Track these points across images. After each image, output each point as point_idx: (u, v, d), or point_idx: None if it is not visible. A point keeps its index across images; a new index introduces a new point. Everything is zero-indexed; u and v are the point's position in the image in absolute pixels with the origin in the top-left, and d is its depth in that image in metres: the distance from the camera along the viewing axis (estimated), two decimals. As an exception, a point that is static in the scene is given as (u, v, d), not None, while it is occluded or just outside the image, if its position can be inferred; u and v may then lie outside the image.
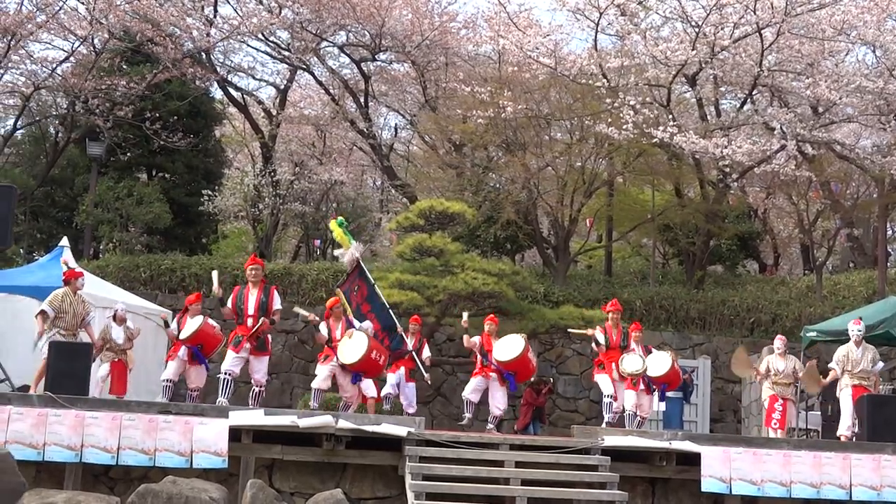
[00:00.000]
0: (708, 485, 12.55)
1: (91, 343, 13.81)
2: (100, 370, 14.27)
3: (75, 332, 13.66)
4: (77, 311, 13.70)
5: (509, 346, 14.40)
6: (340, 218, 16.57)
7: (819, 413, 16.94)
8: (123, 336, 14.88)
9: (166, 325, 14.97)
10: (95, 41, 26.32)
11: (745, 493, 12.66)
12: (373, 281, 15.80)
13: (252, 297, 13.75)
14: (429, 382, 15.87)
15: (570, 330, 17.06)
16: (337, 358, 13.89)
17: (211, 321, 14.49)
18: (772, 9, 21.05)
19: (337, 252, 16.17)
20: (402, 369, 15.20)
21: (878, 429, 13.55)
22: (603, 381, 14.82)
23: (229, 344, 13.83)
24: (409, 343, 15.40)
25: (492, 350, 14.48)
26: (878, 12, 22.20)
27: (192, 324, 14.09)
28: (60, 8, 24.94)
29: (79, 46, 26.38)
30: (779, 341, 15.28)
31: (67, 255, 16.98)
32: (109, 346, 14.67)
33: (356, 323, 14.50)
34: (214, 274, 14.49)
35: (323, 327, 14.37)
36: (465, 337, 14.94)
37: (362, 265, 15.70)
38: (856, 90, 22.36)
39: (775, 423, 14.85)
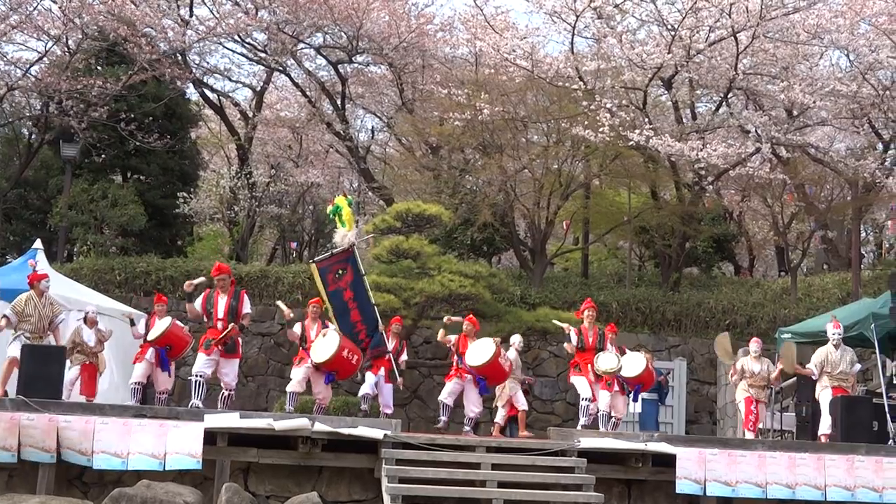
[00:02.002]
0: (682, 486, 12.59)
1: (64, 347, 13.72)
2: (70, 372, 14.15)
3: (42, 334, 13.54)
4: (43, 313, 13.57)
5: (479, 351, 14.44)
6: (350, 197, 16.46)
7: (793, 414, 17.03)
8: (94, 339, 14.79)
9: (132, 323, 14.84)
10: (69, 41, 26.16)
11: (720, 495, 12.71)
12: (363, 273, 15.70)
13: (222, 302, 13.68)
14: (400, 387, 15.85)
15: (554, 322, 16.58)
16: (311, 359, 13.86)
17: (179, 322, 14.43)
18: (747, 13, 21.19)
19: (337, 234, 15.96)
20: (383, 370, 15.15)
21: (852, 430, 13.66)
22: (580, 383, 14.80)
23: (200, 347, 13.75)
24: (390, 345, 15.36)
25: (465, 353, 14.51)
26: (852, 16, 22.40)
27: (160, 325, 14.02)
28: (34, 8, 24.78)
29: (52, 47, 26.20)
30: (754, 344, 15.35)
31: (40, 258, 16.87)
32: (80, 348, 14.57)
33: (331, 325, 14.46)
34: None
35: (297, 327, 14.32)
36: (441, 332, 14.95)
37: (356, 253, 15.61)
38: (829, 94, 22.54)
39: (751, 426, 14.92)
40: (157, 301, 14.79)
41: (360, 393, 15.18)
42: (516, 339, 16.35)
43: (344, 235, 15.56)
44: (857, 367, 14.79)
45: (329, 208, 16.27)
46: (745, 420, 15.13)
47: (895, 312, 14.29)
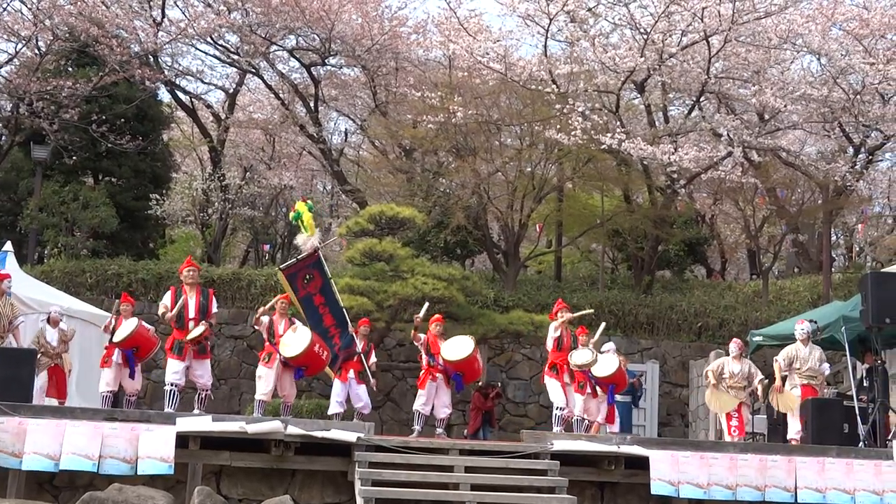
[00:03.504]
0: (657, 488, 12.61)
1: (35, 350, 13.60)
2: (38, 379, 13.93)
3: (2, 334, 13.42)
4: (3, 313, 13.47)
5: (458, 347, 14.38)
6: (310, 202, 16.36)
7: (765, 416, 17.12)
8: (57, 338, 14.63)
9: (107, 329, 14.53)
10: (40, 42, 25.98)
11: (692, 497, 12.74)
12: (329, 276, 15.66)
13: (192, 301, 13.55)
14: (374, 388, 15.79)
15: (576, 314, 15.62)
16: (280, 356, 13.75)
17: (146, 324, 14.28)
18: (719, 17, 21.29)
19: (298, 238, 15.91)
20: (352, 373, 15.08)
21: (822, 432, 13.74)
22: (553, 387, 14.66)
23: (169, 350, 13.60)
24: (359, 346, 15.29)
25: (438, 351, 14.45)
26: (823, 21, 22.58)
27: (126, 326, 13.82)
28: (4, 9, 24.61)
29: (22, 48, 26.02)
30: (734, 345, 15.35)
31: (10, 260, 16.71)
32: (44, 350, 14.38)
33: (298, 322, 14.39)
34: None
35: (265, 319, 14.18)
36: (413, 331, 14.87)
37: (321, 257, 15.54)
38: (800, 98, 22.71)
39: (734, 430, 14.90)
40: (124, 301, 14.57)
41: (331, 412, 15.03)
42: (611, 346, 16.08)
43: (306, 240, 15.48)
44: (826, 366, 14.81)
45: (291, 214, 16.21)
46: (728, 426, 15.12)
47: (865, 315, 14.37)
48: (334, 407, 14.95)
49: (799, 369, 14.54)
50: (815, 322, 15.52)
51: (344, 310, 15.59)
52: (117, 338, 13.75)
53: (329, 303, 15.36)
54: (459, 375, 14.51)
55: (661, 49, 22.15)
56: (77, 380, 15.78)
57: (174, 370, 13.47)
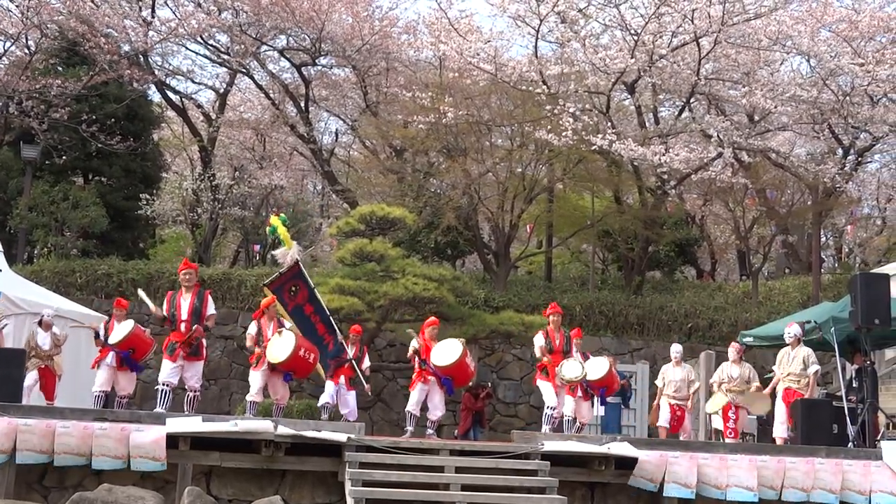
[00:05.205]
0: (634, 482, 12.64)
1: (24, 350, 13.57)
2: (27, 379, 13.91)
3: None
4: None
5: (447, 352, 14.36)
6: (283, 215, 16.36)
7: (754, 417, 17.16)
8: (50, 342, 14.60)
9: (96, 335, 14.46)
10: (29, 41, 25.89)
11: (679, 496, 12.75)
12: (313, 285, 15.68)
13: (185, 303, 13.51)
14: (369, 393, 15.77)
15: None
16: (268, 360, 13.73)
17: (141, 326, 14.27)
18: (709, 18, 21.35)
19: (276, 252, 15.95)
20: (343, 378, 15.09)
21: (812, 432, 13.77)
22: (546, 389, 14.69)
23: (164, 351, 13.58)
24: (350, 352, 15.28)
25: (430, 354, 14.45)
26: (813, 22, 22.66)
27: (121, 328, 13.78)
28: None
29: (11, 46, 25.95)
30: (732, 349, 15.39)
31: (0, 259, 16.66)
32: (35, 352, 14.36)
33: (286, 323, 14.38)
34: (142, 294, 14.20)
35: (252, 326, 14.14)
36: (412, 355, 14.78)
37: (302, 267, 15.57)
38: (790, 99, 22.78)
39: (730, 433, 14.94)
40: (117, 306, 14.57)
41: (320, 403, 15.06)
42: (677, 350, 16.20)
43: (285, 254, 15.50)
44: (814, 368, 14.78)
45: (268, 229, 16.25)
46: (724, 428, 15.17)
47: (855, 316, 14.42)
48: (325, 398, 14.96)
49: (782, 373, 14.63)
50: (814, 322, 15.56)
51: (331, 317, 15.62)
52: (113, 339, 13.72)
53: (319, 311, 15.42)
54: (449, 380, 14.51)
55: (652, 50, 22.20)
56: (65, 380, 15.72)
57: (167, 370, 13.48)
